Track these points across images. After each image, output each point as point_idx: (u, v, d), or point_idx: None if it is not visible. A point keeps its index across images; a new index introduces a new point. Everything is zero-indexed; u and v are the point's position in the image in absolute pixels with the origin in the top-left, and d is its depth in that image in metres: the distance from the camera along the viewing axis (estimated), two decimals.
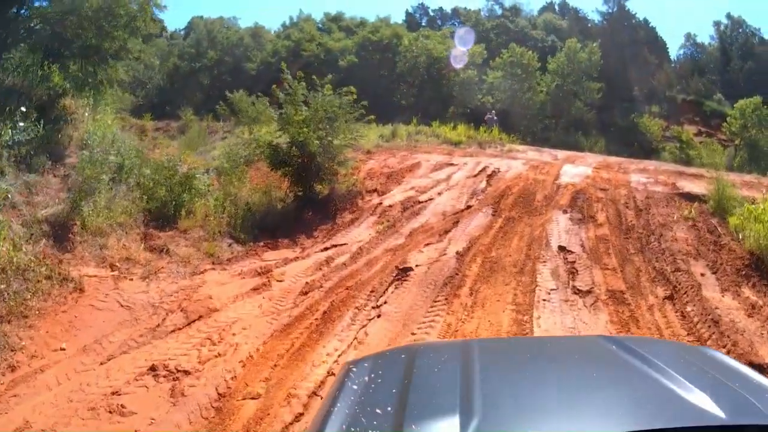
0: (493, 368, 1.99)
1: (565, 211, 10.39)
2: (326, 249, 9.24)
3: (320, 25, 43.16)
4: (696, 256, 8.77)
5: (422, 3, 54.07)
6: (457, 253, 8.25)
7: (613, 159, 18.57)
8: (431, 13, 52.12)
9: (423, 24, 47.06)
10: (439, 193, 11.93)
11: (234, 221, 10.35)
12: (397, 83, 34.06)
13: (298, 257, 8.93)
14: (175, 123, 27.60)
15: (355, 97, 12.23)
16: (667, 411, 1.57)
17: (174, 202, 9.95)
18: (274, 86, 13.15)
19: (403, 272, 7.63)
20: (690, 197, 11.92)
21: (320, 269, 8.09)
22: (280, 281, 7.75)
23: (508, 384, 1.87)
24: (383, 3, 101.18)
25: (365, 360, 2.23)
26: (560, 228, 9.53)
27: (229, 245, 9.85)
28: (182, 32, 45.49)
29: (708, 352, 2.30)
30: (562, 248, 8.50)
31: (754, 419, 1.52)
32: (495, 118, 24.71)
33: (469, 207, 10.86)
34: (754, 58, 41.83)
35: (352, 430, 1.60)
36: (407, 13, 51.18)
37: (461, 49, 35.93)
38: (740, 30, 45.65)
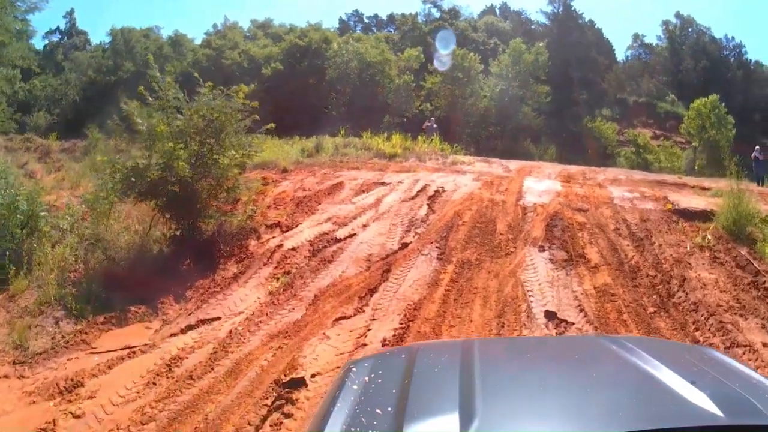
0: (493, 368, 2.00)
1: (541, 248, 7.83)
2: (190, 328, 6.44)
3: (247, 33, 39.32)
4: (740, 311, 6.30)
5: (356, 10, 50.81)
6: (384, 341, 5.41)
7: (573, 168, 16.42)
8: (366, 20, 49.22)
9: (357, 31, 43.75)
10: (365, 226, 9.11)
11: (83, 278, 7.79)
12: (327, 92, 30.63)
13: (140, 349, 6.03)
14: (82, 142, 23.97)
15: (244, 99, 9.33)
16: (667, 411, 1.55)
17: (7, 252, 7.87)
18: (140, 88, 9.45)
19: (288, 393, 4.70)
20: (690, 215, 9.77)
21: (156, 382, 5.19)
22: (78, 417, 4.83)
23: (508, 384, 1.86)
24: (316, 11, 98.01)
25: (365, 360, 2.22)
26: (540, 277, 6.88)
27: (56, 322, 7.05)
28: (107, 45, 41.03)
29: (708, 352, 2.28)
30: (551, 316, 5.91)
31: (754, 419, 1.49)
32: (435, 126, 21.82)
33: (404, 246, 8.12)
34: (707, 56, 40.47)
35: (352, 430, 1.59)
36: (341, 21, 48.41)
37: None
38: (690, 29, 44.73)
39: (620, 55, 46.86)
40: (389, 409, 1.67)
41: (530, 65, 30.95)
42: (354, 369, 2.10)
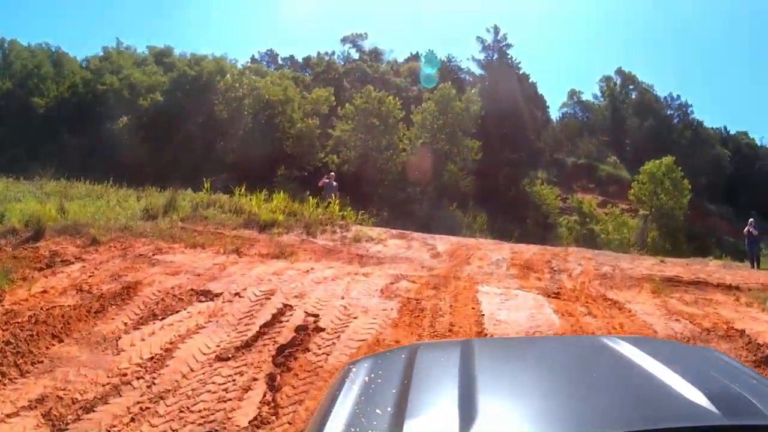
0: (493, 368, 2.03)
1: None
2: None
3: (141, 60, 33.70)
4: None
5: (271, 49, 45.60)
6: None
7: (527, 250, 12.71)
8: (280, 61, 43.92)
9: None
10: None
11: None
12: (215, 134, 24.83)
13: None
14: None
15: None
16: (667, 411, 1.56)
17: None
18: None
19: None
20: None
21: None
22: None
23: (508, 384, 1.88)
24: (230, 46, 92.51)
25: (365, 360, 2.27)
26: None
27: None
28: None
29: (708, 352, 2.40)
30: None
31: (754, 419, 1.51)
32: (335, 184, 17.42)
33: None
34: (652, 116, 37.66)
35: (352, 430, 1.62)
36: (252, 59, 43.06)
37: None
38: (631, 86, 42.15)
39: (554, 113, 43.38)
40: (389, 409, 1.68)
41: (460, 115, 27.25)
42: (354, 369, 2.12)
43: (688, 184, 29.28)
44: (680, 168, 29.62)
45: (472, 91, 28.82)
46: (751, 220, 17.53)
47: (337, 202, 14.71)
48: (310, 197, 14.92)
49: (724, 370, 1.97)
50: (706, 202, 31.78)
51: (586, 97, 46.43)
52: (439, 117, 26.93)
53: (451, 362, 2.03)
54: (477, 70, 37.00)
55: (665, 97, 44.25)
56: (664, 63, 78.67)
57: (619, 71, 44.90)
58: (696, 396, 1.60)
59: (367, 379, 1.99)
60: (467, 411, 1.57)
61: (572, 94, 45.72)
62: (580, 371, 2.03)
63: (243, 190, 14.46)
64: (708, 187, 31.66)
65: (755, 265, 16.31)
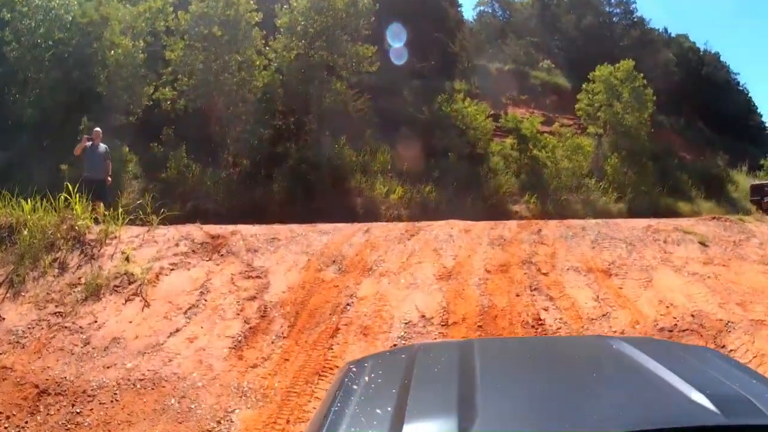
0: (493, 368, 2.07)
1: None
2: None
3: None
4: None
5: None
6: None
7: (472, 246, 8.43)
8: None
9: None
10: None
11: None
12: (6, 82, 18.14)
13: None
14: None
15: None
16: (667, 411, 1.58)
17: None
18: None
19: None
20: None
21: None
22: None
23: (508, 384, 1.92)
24: None
25: (365, 360, 2.30)
26: None
27: None
28: None
29: (708, 352, 2.39)
30: None
31: (754, 419, 1.51)
32: (101, 149, 11.15)
33: None
34: (591, 12, 30.17)
35: (352, 430, 1.61)
36: None
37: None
38: None
39: (468, 13, 34.81)
40: (389, 409, 1.68)
41: (344, 11, 19.89)
42: (354, 369, 2.14)
43: (651, 93, 23.90)
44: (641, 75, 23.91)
45: None
46: None
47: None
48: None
49: (724, 370, 1.96)
50: (655, 113, 24.68)
51: None
52: (315, 17, 19.67)
53: (451, 362, 2.05)
54: None
55: None
56: None
57: None
58: (696, 396, 1.60)
59: (367, 379, 1.98)
60: (467, 411, 1.56)
61: None
62: (580, 371, 2.05)
63: None
64: (657, 96, 25.55)
65: None
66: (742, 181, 29.23)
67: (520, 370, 2.09)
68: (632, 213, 20.90)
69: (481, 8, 38.20)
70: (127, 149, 16.64)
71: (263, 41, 19.47)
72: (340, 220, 16.55)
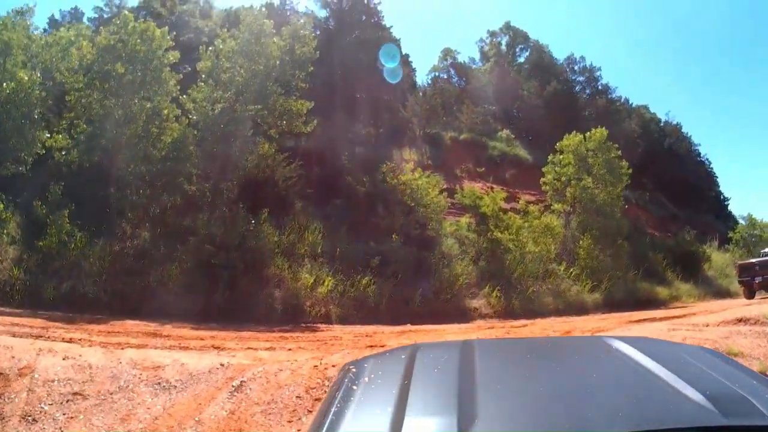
0: (493, 368, 2.08)
1: None
2: None
3: None
4: None
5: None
6: None
7: None
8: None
9: None
10: None
11: None
12: None
13: None
14: None
15: None
16: (667, 411, 1.57)
17: None
18: None
19: None
20: None
21: None
22: None
23: (508, 384, 1.92)
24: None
25: (365, 360, 2.26)
26: None
27: None
28: None
29: (708, 352, 2.34)
30: None
31: (754, 419, 1.50)
32: None
33: None
34: (556, 79, 28.25)
35: (352, 430, 1.60)
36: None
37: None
38: (522, 46, 32.33)
39: (422, 79, 32.76)
40: (389, 409, 1.66)
41: (278, 58, 16.84)
42: (354, 369, 2.12)
43: (627, 166, 21.66)
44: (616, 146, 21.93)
45: (301, 23, 18.93)
46: None
47: None
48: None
49: (723, 370, 1.96)
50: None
51: (464, 59, 37.88)
52: (242, 64, 16.61)
53: (451, 362, 2.04)
54: (319, 11, 24.94)
55: (567, 58, 37.48)
56: (556, 20, 69.01)
57: (507, 26, 35.17)
58: (695, 396, 1.60)
59: (367, 379, 1.96)
60: (467, 411, 1.56)
61: (446, 54, 36.39)
62: (579, 371, 2.05)
63: None
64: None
65: None
66: (717, 258, 27.07)
67: (520, 371, 2.10)
68: (609, 304, 17.91)
69: (436, 74, 36.27)
70: (2, 206, 13.36)
71: (178, 87, 16.48)
72: (249, 321, 12.78)
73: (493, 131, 29.35)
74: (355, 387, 1.88)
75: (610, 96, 37.72)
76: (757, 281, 19.03)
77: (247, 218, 15.08)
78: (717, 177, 43.12)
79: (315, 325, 13.11)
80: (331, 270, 14.85)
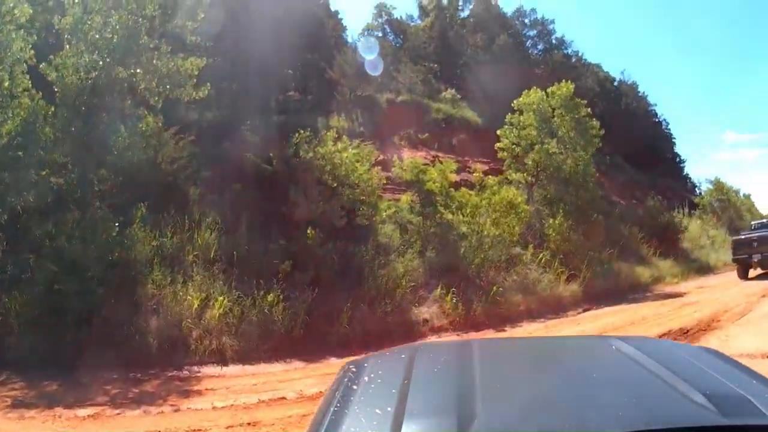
0: (493, 368, 2.08)
1: None
2: None
3: None
4: None
5: None
6: None
7: None
8: None
9: None
10: None
11: None
12: None
13: None
14: None
15: None
16: (667, 411, 1.57)
17: None
18: None
19: None
20: None
21: None
22: None
23: (508, 384, 1.94)
24: None
25: (365, 360, 2.29)
26: None
27: None
28: None
29: (708, 352, 2.34)
30: None
31: (754, 419, 1.50)
32: None
33: None
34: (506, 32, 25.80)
35: (352, 430, 1.60)
36: None
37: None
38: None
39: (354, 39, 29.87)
40: (389, 409, 1.64)
41: (157, 2, 12.38)
42: (353, 369, 2.12)
43: (598, 127, 18.32)
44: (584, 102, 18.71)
45: None
46: None
47: None
48: None
49: (723, 369, 1.94)
50: None
51: (400, 14, 34.53)
52: (116, 16, 11.95)
53: (451, 362, 2.08)
54: None
55: (517, 11, 35.15)
56: None
57: None
58: (695, 396, 1.59)
59: (366, 379, 1.95)
60: (467, 411, 1.54)
61: (380, 10, 32.96)
62: (579, 371, 2.05)
63: None
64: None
65: None
66: (693, 228, 24.32)
67: (520, 370, 2.13)
68: (590, 297, 14.45)
69: (370, 31, 32.43)
70: None
71: (32, 52, 11.70)
72: (111, 366, 8.91)
73: (435, 92, 25.82)
74: (355, 387, 1.86)
75: (565, 51, 34.68)
76: (755, 259, 17.11)
77: (112, 220, 10.74)
78: (674, 138, 41.40)
79: (201, 368, 9.12)
80: (227, 283, 10.71)
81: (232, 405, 7.41)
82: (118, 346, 9.39)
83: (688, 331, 10.39)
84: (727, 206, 32.21)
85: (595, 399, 1.67)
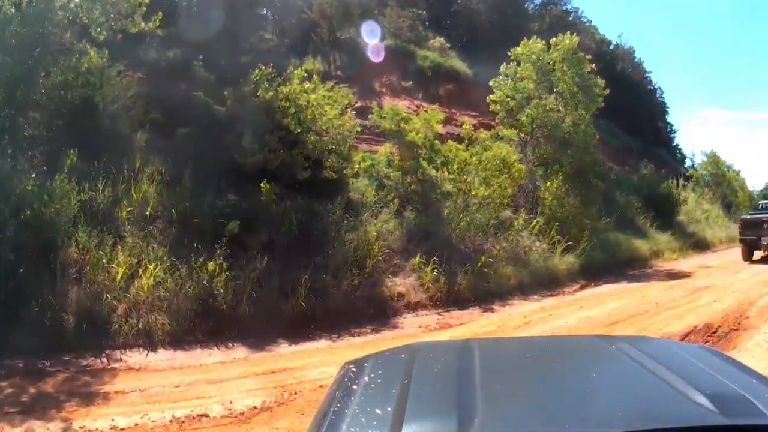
0: (493, 368, 2.05)
1: None
2: None
3: None
4: None
5: None
6: None
7: None
8: None
9: None
10: None
11: None
12: None
13: None
14: None
15: None
16: (667, 411, 1.55)
17: None
18: None
19: None
20: None
21: None
22: None
23: (508, 384, 1.92)
24: None
25: (365, 360, 2.23)
26: None
27: None
28: None
29: (708, 352, 2.32)
30: None
31: (754, 419, 1.48)
32: None
33: None
34: None
35: (352, 430, 1.57)
36: None
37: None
38: None
39: None
40: (389, 409, 1.62)
41: None
42: (353, 369, 2.11)
43: (602, 85, 16.36)
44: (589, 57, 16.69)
45: None
46: None
47: None
48: None
49: (723, 369, 1.93)
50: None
51: None
52: None
53: (451, 362, 2.04)
54: None
55: None
56: None
57: None
58: (696, 395, 1.56)
59: (366, 379, 1.93)
60: (467, 411, 1.52)
61: None
62: (579, 371, 2.05)
63: None
64: None
65: None
66: (690, 200, 23.07)
67: (520, 370, 2.10)
68: (588, 271, 12.85)
69: None
70: None
71: None
72: (16, 350, 7.05)
73: (423, 39, 23.57)
74: (354, 387, 1.85)
75: (564, 6, 33.26)
76: (764, 242, 15.83)
77: (28, 170, 8.63)
78: (668, 107, 40.11)
79: (124, 353, 7.30)
80: (163, 246, 8.79)
81: (136, 425, 5.46)
82: (30, 324, 7.54)
83: (716, 330, 8.79)
84: (722, 181, 31.12)
85: (595, 399, 1.67)
